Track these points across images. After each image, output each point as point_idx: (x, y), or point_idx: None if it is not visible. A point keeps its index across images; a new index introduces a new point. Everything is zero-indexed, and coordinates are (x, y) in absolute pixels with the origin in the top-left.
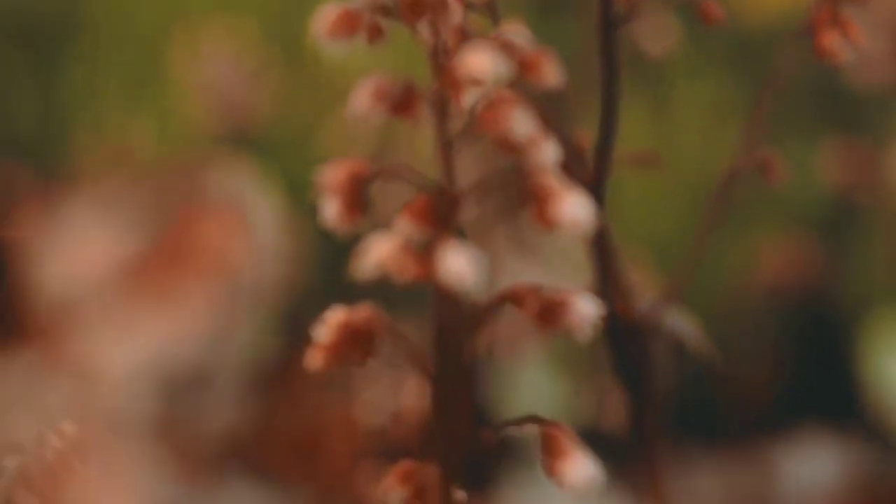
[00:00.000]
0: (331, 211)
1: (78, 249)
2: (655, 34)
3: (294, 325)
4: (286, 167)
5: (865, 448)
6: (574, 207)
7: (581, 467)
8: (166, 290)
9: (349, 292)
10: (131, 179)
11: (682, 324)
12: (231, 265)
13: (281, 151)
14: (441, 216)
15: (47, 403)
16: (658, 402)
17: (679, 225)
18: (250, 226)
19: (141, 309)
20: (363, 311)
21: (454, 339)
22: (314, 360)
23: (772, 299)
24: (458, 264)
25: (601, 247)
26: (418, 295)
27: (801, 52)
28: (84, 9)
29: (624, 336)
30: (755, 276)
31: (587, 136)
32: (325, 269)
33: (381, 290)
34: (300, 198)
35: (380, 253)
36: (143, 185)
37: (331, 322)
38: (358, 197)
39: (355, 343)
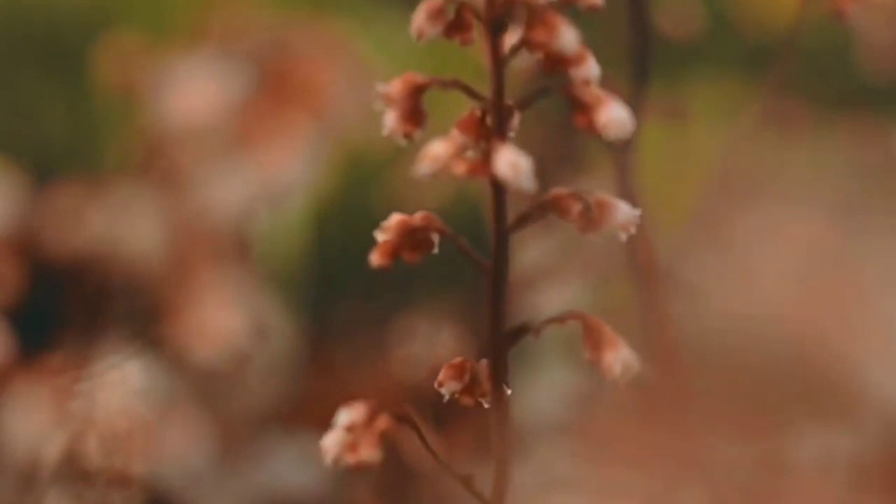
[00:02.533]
0: (389, 120)
1: (189, 95)
2: (677, 16)
3: (324, 305)
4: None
5: None
6: (619, 112)
7: (624, 356)
8: (269, 131)
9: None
10: (235, 36)
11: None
12: (326, 107)
13: None
14: (492, 129)
15: (161, 228)
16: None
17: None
18: (343, 69)
19: (246, 147)
20: (419, 215)
21: (505, 237)
22: (375, 257)
23: None
24: (513, 158)
25: (626, 195)
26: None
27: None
28: (113, 4)
29: (644, 283)
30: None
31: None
32: (348, 261)
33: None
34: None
35: (437, 151)
36: (246, 40)
37: (389, 223)
38: (415, 106)
39: (412, 240)
